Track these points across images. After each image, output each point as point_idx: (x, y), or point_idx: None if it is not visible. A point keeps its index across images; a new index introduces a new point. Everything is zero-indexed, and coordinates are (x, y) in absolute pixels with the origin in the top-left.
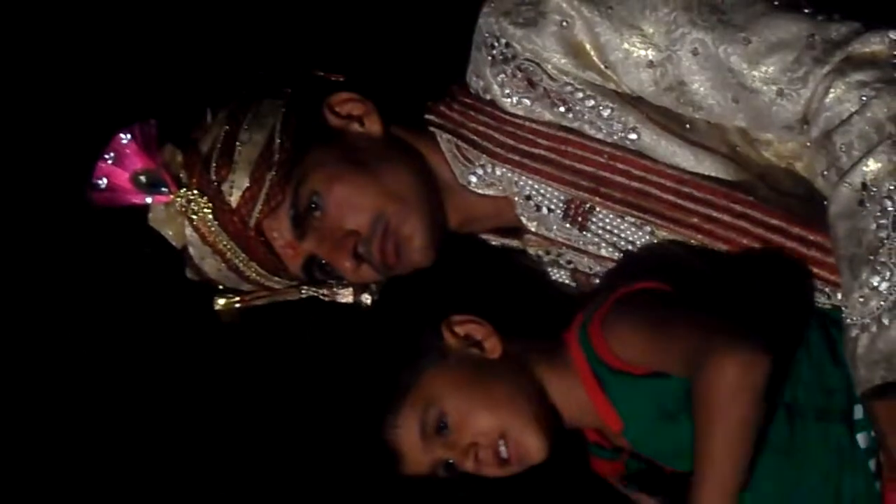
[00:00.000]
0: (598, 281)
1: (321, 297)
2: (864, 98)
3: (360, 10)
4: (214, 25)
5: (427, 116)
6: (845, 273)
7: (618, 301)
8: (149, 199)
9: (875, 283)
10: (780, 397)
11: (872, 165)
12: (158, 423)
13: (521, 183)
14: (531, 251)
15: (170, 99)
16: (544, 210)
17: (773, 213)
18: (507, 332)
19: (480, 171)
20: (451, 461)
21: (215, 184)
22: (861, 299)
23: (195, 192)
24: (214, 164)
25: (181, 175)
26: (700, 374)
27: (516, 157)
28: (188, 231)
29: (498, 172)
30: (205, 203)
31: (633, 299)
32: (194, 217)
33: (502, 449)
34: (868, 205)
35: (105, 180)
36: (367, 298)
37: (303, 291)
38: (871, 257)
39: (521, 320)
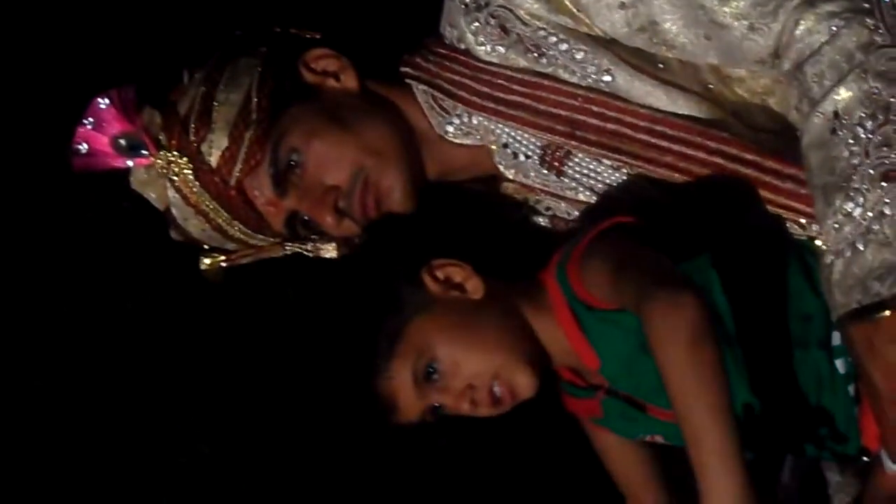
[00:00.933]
0: (575, 226)
1: (305, 252)
2: (833, 28)
3: None
4: None
5: (402, 69)
6: (819, 201)
7: (594, 239)
8: (129, 163)
9: (849, 209)
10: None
11: (843, 94)
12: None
13: (498, 131)
14: (509, 199)
15: (147, 60)
16: (521, 157)
17: (747, 149)
18: (487, 273)
19: (457, 121)
20: (442, 405)
21: (195, 144)
22: (835, 226)
23: (175, 153)
24: (193, 126)
25: (161, 137)
26: (643, 324)
27: (492, 105)
28: (170, 192)
29: (474, 121)
30: (185, 164)
31: (607, 236)
32: (175, 178)
33: (496, 389)
34: (840, 133)
35: (85, 145)
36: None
37: (287, 248)
38: (845, 184)
39: (500, 261)
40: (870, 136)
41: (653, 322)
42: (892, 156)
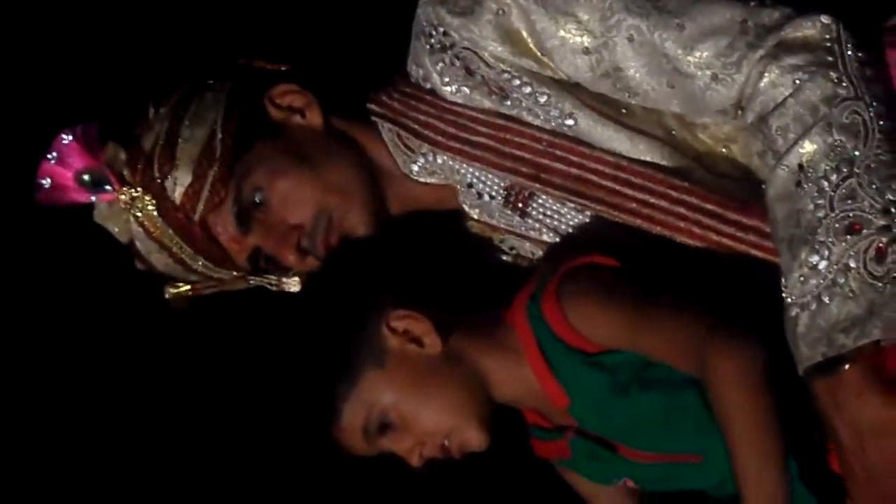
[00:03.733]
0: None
1: (268, 286)
2: (797, 81)
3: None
4: (157, 17)
5: (368, 106)
6: (785, 254)
7: (571, 273)
8: (93, 198)
9: (814, 262)
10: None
11: (808, 147)
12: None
13: (463, 171)
14: (473, 237)
15: (112, 91)
16: (486, 197)
17: (709, 199)
18: (447, 317)
19: (422, 160)
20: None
21: (158, 181)
22: (801, 278)
23: (139, 189)
24: (157, 162)
25: (124, 172)
26: (704, 372)
27: (457, 145)
28: (134, 227)
29: (440, 160)
30: (149, 200)
31: (588, 273)
32: (139, 214)
33: (447, 443)
34: (805, 186)
35: (49, 180)
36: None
37: (250, 281)
38: (810, 237)
39: (463, 300)
40: (834, 189)
41: (720, 368)
42: (857, 209)
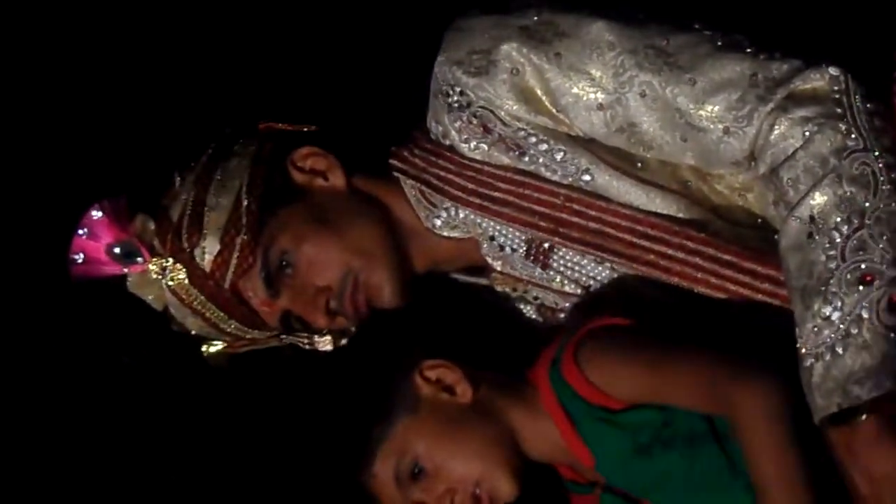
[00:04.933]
0: (563, 316)
1: (301, 344)
2: (807, 133)
3: (318, 61)
4: (179, 83)
5: (391, 162)
6: (798, 304)
7: (586, 336)
8: (125, 269)
9: (827, 313)
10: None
11: (819, 199)
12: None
13: (484, 224)
14: (498, 288)
15: (139, 160)
16: (507, 250)
17: (725, 249)
18: (476, 371)
19: (444, 215)
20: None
21: (187, 250)
22: (814, 329)
23: (169, 258)
24: (185, 232)
25: (154, 243)
26: (730, 411)
27: (477, 201)
28: (167, 294)
29: (461, 215)
30: (179, 269)
31: (604, 334)
32: (171, 282)
33: (478, 492)
34: (817, 237)
35: (81, 255)
36: (346, 343)
37: (283, 339)
38: (822, 288)
39: (489, 358)
40: (845, 240)
41: (747, 404)
42: (868, 260)
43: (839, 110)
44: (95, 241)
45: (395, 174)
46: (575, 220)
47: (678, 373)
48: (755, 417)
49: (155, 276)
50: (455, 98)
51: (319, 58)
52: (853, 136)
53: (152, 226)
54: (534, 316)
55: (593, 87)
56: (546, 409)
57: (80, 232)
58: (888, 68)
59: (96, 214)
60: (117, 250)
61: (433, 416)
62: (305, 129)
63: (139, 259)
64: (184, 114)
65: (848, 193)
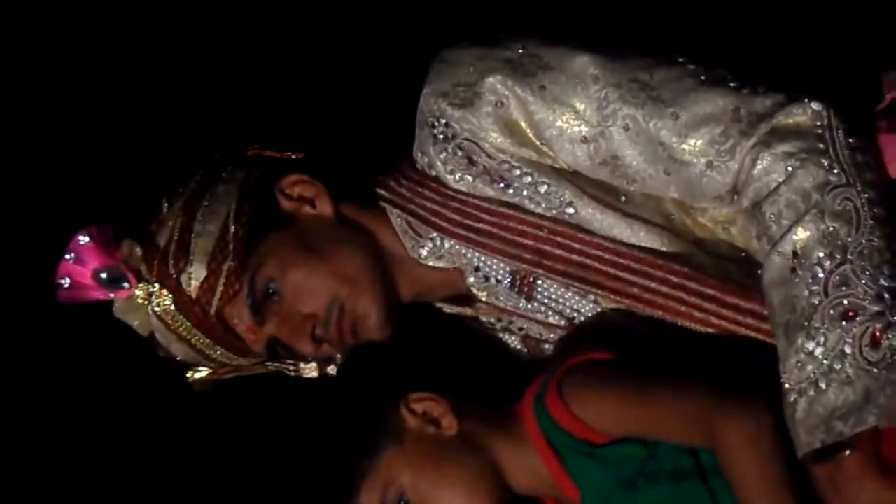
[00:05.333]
0: (547, 347)
1: (287, 371)
2: (789, 168)
3: (307, 88)
4: (165, 107)
5: (377, 191)
6: (781, 339)
7: (570, 370)
8: (111, 295)
9: (810, 349)
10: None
11: (801, 234)
12: None
13: (470, 255)
14: (483, 318)
15: (126, 186)
16: (493, 281)
17: (708, 283)
18: (462, 403)
19: (430, 245)
20: None
21: (174, 276)
22: (798, 364)
23: (155, 285)
24: (172, 258)
25: (141, 269)
26: (715, 440)
27: (462, 232)
28: (153, 320)
29: (447, 245)
30: (166, 295)
31: (588, 368)
32: (157, 308)
33: None
34: (800, 272)
35: (68, 279)
36: (332, 370)
37: (269, 367)
38: (806, 323)
39: (475, 390)
40: (829, 275)
41: (732, 433)
42: (851, 295)
43: (822, 145)
44: (82, 265)
45: (382, 203)
46: (558, 252)
47: (662, 405)
48: (740, 447)
49: (141, 301)
50: (440, 129)
51: (309, 86)
52: (836, 171)
53: (139, 251)
54: (518, 347)
55: (577, 120)
56: (532, 442)
57: (67, 256)
58: (871, 103)
59: (83, 239)
60: (104, 275)
61: (418, 449)
62: (294, 157)
63: (125, 284)
64: (172, 139)
65: (831, 229)
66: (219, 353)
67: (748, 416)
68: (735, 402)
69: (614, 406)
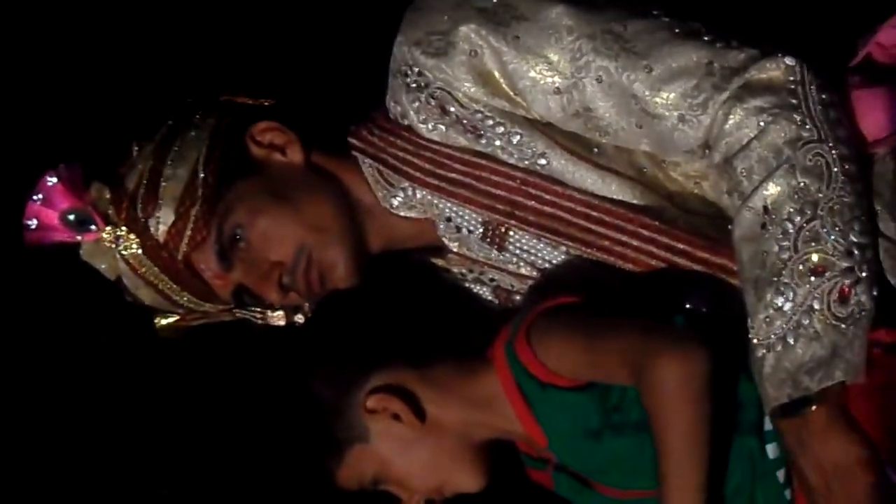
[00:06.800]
0: (518, 298)
1: (254, 319)
2: (762, 123)
3: (280, 36)
4: (139, 53)
5: (349, 140)
6: (750, 294)
7: (539, 315)
8: (78, 237)
9: (779, 304)
10: None
11: (772, 189)
12: None
13: (441, 205)
14: (455, 269)
15: (97, 129)
16: (464, 231)
17: (678, 238)
18: (423, 381)
19: (402, 195)
20: None
21: (142, 220)
22: (766, 320)
23: (123, 228)
24: (141, 202)
25: (109, 212)
26: (642, 379)
27: (435, 182)
28: (120, 264)
29: (419, 195)
30: (133, 239)
31: (555, 313)
32: (124, 252)
33: (438, 499)
34: (770, 228)
35: (35, 221)
36: (300, 318)
37: (237, 314)
38: (775, 279)
39: (446, 339)
40: (798, 231)
41: (662, 372)
42: (821, 251)
43: (794, 101)
44: (50, 207)
45: (354, 153)
46: (530, 203)
47: (606, 347)
48: (659, 391)
49: (108, 245)
50: (413, 78)
51: (283, 34)
52: (808, 126)
53: (108, 194)
54: (489, 298)
55: (551, 71)
56: (503, 387)
57: (35, 198)
58: (844, 59)
59: (51, 180)
60: (71, 217)
61: (385, 443)
62: (266, 104)
63: (93, 227)
64: (145, 84)
65: (802, 184)
66: (185, 298)
67: (678, 360)
68: (670, 344)
69: (570, 349)
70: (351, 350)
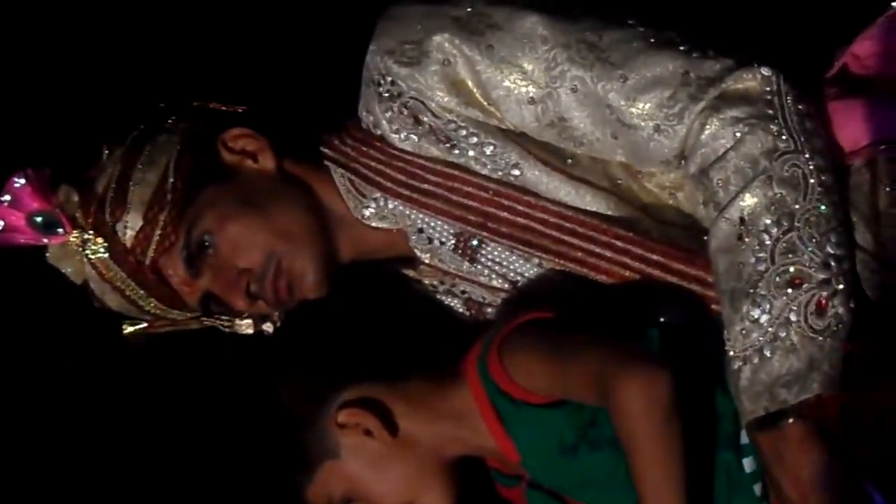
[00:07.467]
0: (490, 310)
1: (221, 327)
2: (738, 134)
3: (255, 43)
4: (112, 58)
5: (321, 149)
6: (726, 306)
7: (511, 332)
8: (45, 240)
9: (756, 316)
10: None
11: (749, 200)
12: None
13: (413, 216)
14: (426, 281)
15: (67, 132)
16: (436, 242)
17: (653, 249)
18: (398, 381)
19: (374, 205)
20: None
21: (110, 224)
22: (742, 332)
23: (90, 232)
24: (109, 205)
25: (77, 215)
26: (608, 402)
27: (407, 192)
28: (87, 268)
29: (391, 206)
30: (101, 243)
31: (526, 330)
32: (91, 256)
33: None
34: (746, 239)
35: (1, 223)
36: (268, 327)
37: (204, 322)
38: (751, 290)
39: (419, 351)
40: (775, 242)
41: (626, 396)
42: (797, 263)
43: (770, 111)
44: (17, 209)
45: (326, 162)
46: (503, 214)
47: (573, 368)
48: (626, 413)
49: (75, 248)
50: (386, 88)
51: (256, 42)
52: (784, 137)
53: (76, 197)
54: (461, 310)
55: (525, 80)
56: (476, 403)
57: (2, 199)
58: (820, 70)
59: (19, 182)
60: (38, 220)
61: (355, 459)
62: (239, 111)
63: (60, 230)
64: (117, 89)
65: (778, 195)
66: (152, 304)
67: (639, 383)
68: (630, 367)
69: (539, 369)
70: (322, 362)
